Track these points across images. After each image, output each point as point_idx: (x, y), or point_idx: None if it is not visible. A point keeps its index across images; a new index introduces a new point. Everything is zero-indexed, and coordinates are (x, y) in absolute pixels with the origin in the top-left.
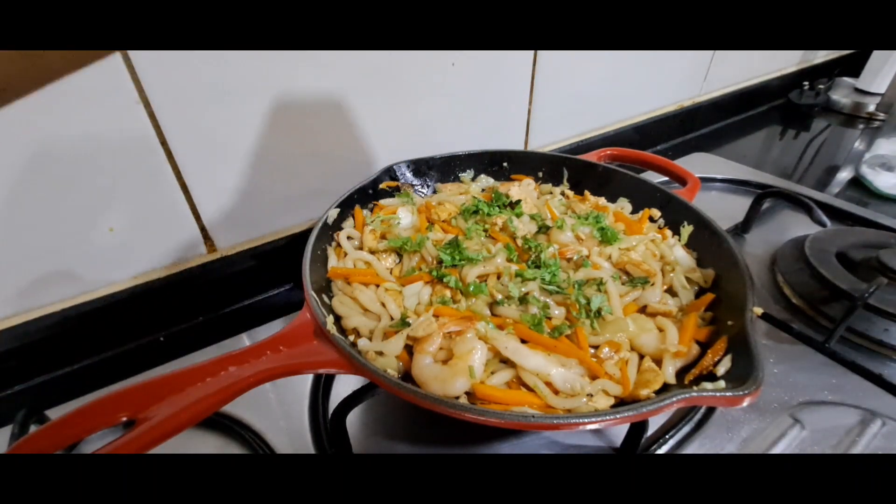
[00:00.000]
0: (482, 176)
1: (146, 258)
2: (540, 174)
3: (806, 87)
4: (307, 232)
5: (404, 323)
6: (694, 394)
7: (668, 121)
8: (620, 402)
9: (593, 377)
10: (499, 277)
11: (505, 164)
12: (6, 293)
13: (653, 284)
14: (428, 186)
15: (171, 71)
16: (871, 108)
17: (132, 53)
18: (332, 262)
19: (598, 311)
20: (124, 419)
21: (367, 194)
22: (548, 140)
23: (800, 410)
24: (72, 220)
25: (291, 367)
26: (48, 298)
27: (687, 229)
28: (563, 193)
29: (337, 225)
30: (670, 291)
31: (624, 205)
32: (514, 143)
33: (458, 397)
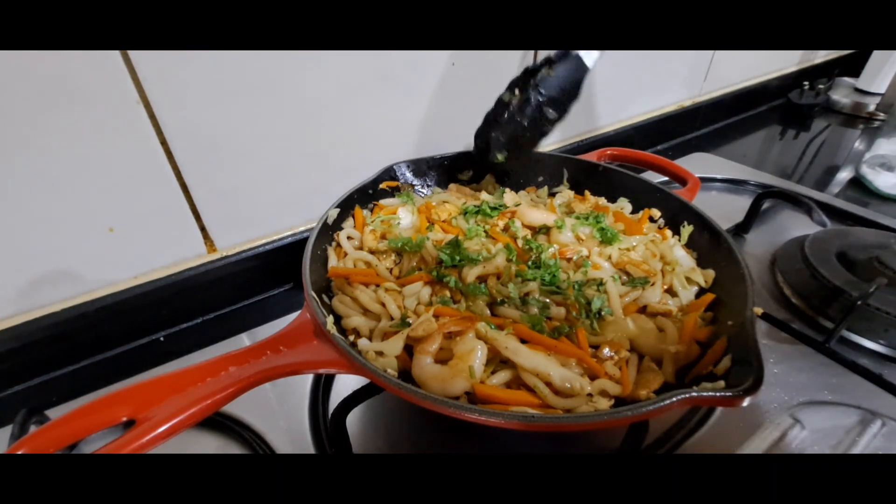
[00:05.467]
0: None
1: (146, 258)
2: (540, 178)
3: (806, 87)
4: (307, 232)
5: (404, 323)
6: (694, 394)
7: (668, 121)
8: (620, 402)
9: (593, 377)
10: (499, 278)
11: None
12: (6, 293)
13: (653, 284)
14: (428, 186)
15: (171, 71)
16: (871, 108)
17: (132, 53)
18: (332, 262)
19: (599, 312)
20: (124, 419)
21: (367, 194)
22: (548, 140)
23: (800, 410)
24: (72, 220)
25: (291, 367)
26: (48, 298)
27: (687, 229)
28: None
29: (337, 225)
30: (670, 291)
31: (624, 205)
32: None
33: (458, 397)
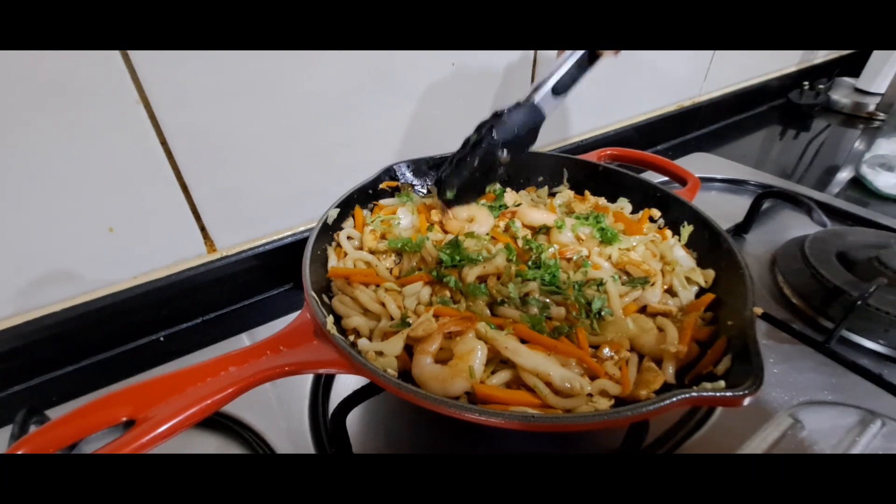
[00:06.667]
0: None
1: (146, 258)
2: (540, 178)
3: (806, 87)
4: (307, 232)
5: (404, 323)
6: (694, 394)
7: (668, 121)
8: (620, 402)
9: (593, 377)
10: (499, 278)
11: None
12: (6, 293)
13: (653, 284)
14: (428, 186)
15: (171, 71)
16: (871, 108)
17: (132, 53)
18: (332, 262)
19: (599, 312)
20: (124, 419)
21: (367, 194)
22: (548, 140)
23: (800, 410)
24: (72, 220)
25: (291, 367)
26: (48, 298)
27: (687, 229)
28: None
29: (337, 225)
30: (670, 291)
31: (624, 205)
32: None
33: (458, 397)
